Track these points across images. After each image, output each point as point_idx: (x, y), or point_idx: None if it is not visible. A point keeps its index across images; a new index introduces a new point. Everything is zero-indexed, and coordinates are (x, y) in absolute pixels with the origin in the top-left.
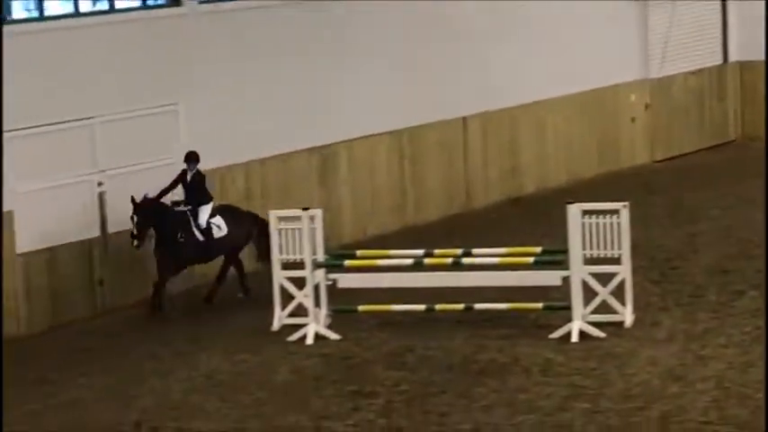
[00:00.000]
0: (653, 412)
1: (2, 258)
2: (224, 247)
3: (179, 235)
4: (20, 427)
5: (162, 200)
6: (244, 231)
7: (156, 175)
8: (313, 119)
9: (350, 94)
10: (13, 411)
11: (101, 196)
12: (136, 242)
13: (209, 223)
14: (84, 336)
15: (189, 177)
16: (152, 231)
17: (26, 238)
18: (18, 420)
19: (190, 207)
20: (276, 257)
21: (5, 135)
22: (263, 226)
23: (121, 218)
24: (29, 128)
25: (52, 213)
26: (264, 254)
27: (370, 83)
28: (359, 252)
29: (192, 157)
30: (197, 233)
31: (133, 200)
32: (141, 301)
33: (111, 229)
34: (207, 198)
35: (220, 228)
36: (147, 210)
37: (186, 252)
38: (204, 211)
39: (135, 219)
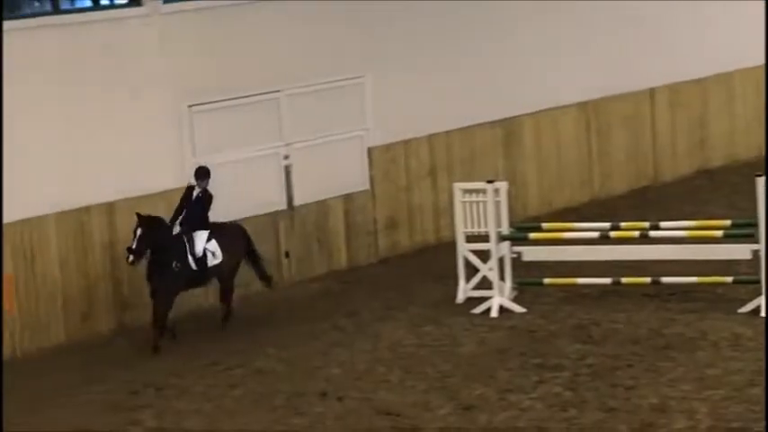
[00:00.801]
0: None
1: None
2: (219, 273)
3: (174, 263)
4: (215, 392)
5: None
6: (237, 251)
7: (340, 148)
8: (498, 91)
9: (535, 66)
10: (212, 377)
11: (287, 169)
12: (131, 258)
13: (204, 250)
14: (270, 307)
15: (195, 195)
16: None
17: (215, 211)
18: (209, 389)
19: (185, 230)
20: (460, 230)
21: (193, 108)
22: (248, 242)
23: (307, 191)
24: (216, 102)
25: (239, 187)
26: (263, 274)
27: (555, 54)
28: (544, 225)
29: (201, 173)
30: (192, 262)
31: (139, 214)
32: (326, 274)
33: (296, 201)
34: (206, 223)
35: (215, 255)
36: (153, 227)
37: (179, 282)
38: (201, 238)
39: (138, 232)
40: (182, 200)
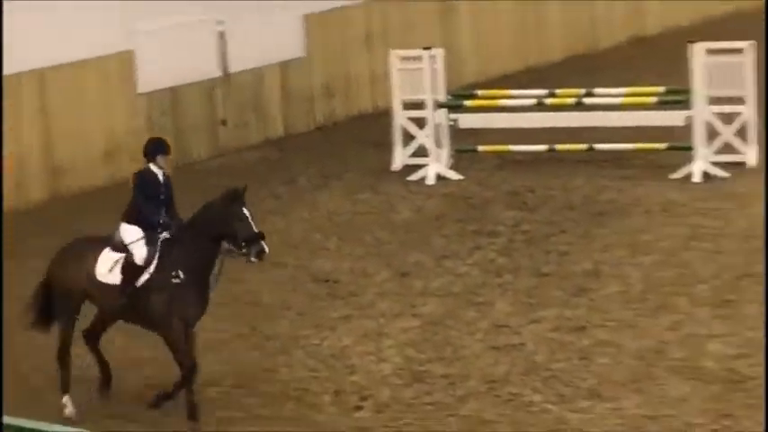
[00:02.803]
0: None
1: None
2: None
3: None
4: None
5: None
6: None
7: (276, 14)
8: None
9: None
10: None
11: (221, 35)
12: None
13: None
14: (206, 175)
15: (162, 178)
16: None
17: (147, 78)
18: None
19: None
20: (397, 97)
21: None
22: None
23: (243, 58)
24: None
25: (173, 53)
26: None
27: None
28: (480, 92)
29: (161, 148)
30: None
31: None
32: (263, 142)
33: (232, 68)
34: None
35: None
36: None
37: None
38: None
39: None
40: (150, 187)
